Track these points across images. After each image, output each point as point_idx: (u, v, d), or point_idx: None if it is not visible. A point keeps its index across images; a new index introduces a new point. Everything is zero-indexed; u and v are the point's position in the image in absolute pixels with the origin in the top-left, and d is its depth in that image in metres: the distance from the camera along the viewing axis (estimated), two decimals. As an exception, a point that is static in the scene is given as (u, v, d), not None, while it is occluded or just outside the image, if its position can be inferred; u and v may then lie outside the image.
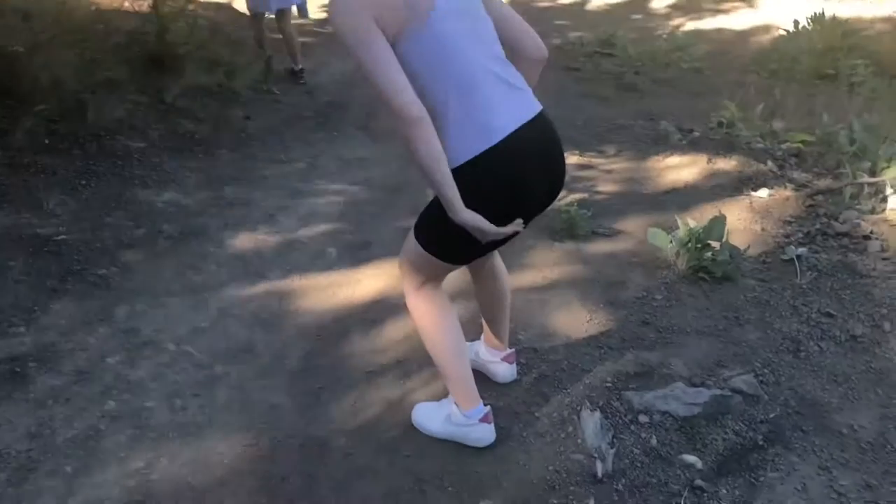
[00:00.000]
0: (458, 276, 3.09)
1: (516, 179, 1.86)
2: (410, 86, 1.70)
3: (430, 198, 1.96)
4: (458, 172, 1.77)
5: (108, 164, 4.18)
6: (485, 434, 2.25)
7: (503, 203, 1.85)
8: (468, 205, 1.77)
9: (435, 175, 1.73)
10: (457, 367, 2.19)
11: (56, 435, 2.29)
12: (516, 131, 1.84)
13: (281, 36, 6.35)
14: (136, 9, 5.84)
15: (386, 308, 3.03)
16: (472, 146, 1.81)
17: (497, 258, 2.35)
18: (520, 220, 1.86)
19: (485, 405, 2.25)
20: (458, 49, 1.79)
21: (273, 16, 6.25)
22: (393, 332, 2.88)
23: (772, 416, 2.39)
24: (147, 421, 2.37)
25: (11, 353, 2.62)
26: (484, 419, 2.23)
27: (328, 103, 5.98)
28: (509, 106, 1.86)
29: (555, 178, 2.00)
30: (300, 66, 6.40)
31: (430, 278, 2.14)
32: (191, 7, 5.85)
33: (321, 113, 5.74)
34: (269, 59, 6.49)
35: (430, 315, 2.15)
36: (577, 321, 2.91)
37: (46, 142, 4.15)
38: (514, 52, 1.99)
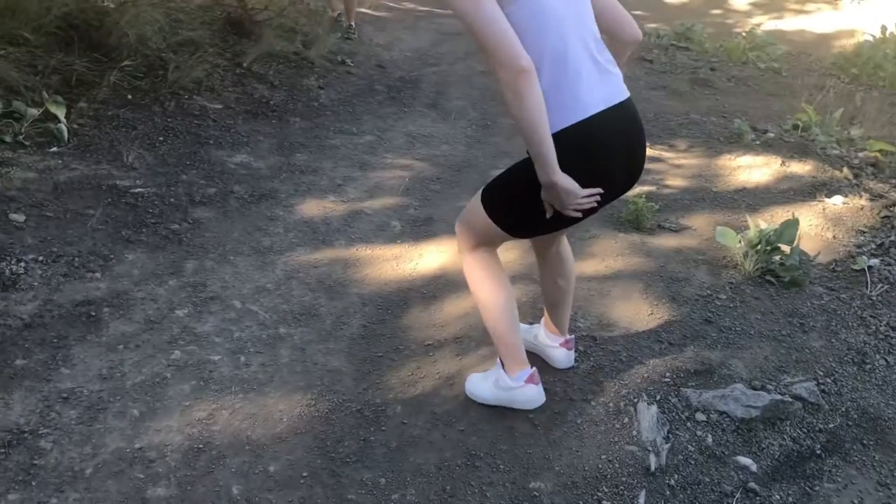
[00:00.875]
0: (521, 259, 3.12)
1: (601, 158, 1.86)
2: (518, 39, 1.66)
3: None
4: None
5: (185, 123, 4.29)
6: (532, 395, 2.26)
7: (582, 181, 1.81)
8: None
9: (536, 130, 1.69)
10: (506, 327, 2.19)
11: (125, 379, 2.37)
12: (605, 111, 1.83)
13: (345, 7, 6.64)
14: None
15: (446, 284, 3.06)
16: (562, 117, 1.79)
17: (565, 242, 2.34)
18: (600, 189, 1.84)
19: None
20: (556, 20, 1.78)
21: None
22: (452, 308, 2.90)
23: (831, 426, 2.35)
24: (211, 373, 2.44)
25: (88, 297, 2.72)
26: (529, 380, 2.24)
27: (400, 79, 6.02)
28: (600, 85, 1.84)
29: (635, 168, 1.98)
30: (352, 23, 6.70)
31: (486, 243, 2.15)
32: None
33: (393, 88, 5.78)
34: (348, 29, 6.62)
35: (484, 275, 2.17)
36: (637, 313, 2.89)
37: (129, 97, 4.27)
38: (610, 34, 1.99)
